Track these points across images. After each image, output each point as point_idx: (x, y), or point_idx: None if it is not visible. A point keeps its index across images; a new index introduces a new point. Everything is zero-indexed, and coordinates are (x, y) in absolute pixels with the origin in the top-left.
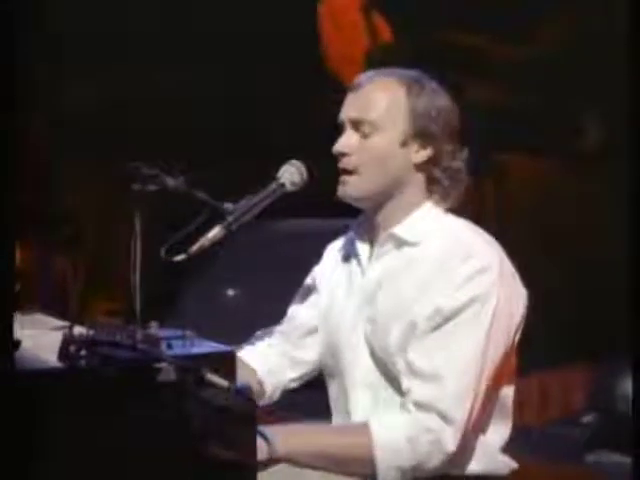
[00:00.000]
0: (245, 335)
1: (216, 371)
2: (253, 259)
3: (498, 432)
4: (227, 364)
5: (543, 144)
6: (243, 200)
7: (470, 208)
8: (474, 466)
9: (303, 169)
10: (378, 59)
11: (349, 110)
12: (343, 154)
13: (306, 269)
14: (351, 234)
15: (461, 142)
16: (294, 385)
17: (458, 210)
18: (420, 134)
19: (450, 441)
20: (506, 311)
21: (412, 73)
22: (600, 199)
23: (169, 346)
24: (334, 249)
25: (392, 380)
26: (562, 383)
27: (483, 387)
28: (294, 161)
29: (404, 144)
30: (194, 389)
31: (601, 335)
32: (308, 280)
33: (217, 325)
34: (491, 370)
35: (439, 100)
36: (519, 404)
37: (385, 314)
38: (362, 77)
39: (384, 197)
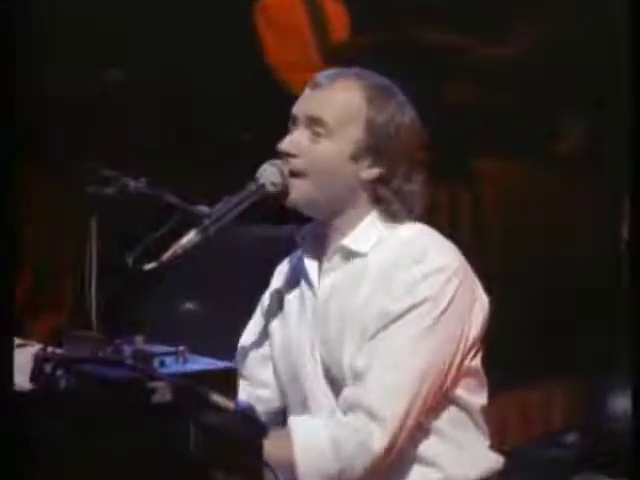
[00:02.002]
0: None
1: (218, 390)
2: (215, 268)
3: (477, 438)
4: (227, 382)
5: (520, 147)
6: (220, 202)
7: (443, 217)
8: (469, 473)
9: (284, 168)
10: (337, 59)
11: (305, 106)
12: (290, 154)
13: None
14: (298, 252)
15: (421, 164)
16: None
17: (428, 217)
18: (373, 150)
19: (378, 441)
20: (461, 312)
21: (379, 81)
22: (580, 203)
23: (161, 363)
24: (282, 271)
25: None
26: (543, 400)
27: (427, 384)
28: (274, 160)
29: (355, 158)
30: (194, 412)
31: (584, 350)
32: (258, 310)
33: (175, 341)
34: (439, 368)
35: (402, 116)
36: (498, 423)
37: (337, 331)
38: (324, 75)
39: (330, 208)
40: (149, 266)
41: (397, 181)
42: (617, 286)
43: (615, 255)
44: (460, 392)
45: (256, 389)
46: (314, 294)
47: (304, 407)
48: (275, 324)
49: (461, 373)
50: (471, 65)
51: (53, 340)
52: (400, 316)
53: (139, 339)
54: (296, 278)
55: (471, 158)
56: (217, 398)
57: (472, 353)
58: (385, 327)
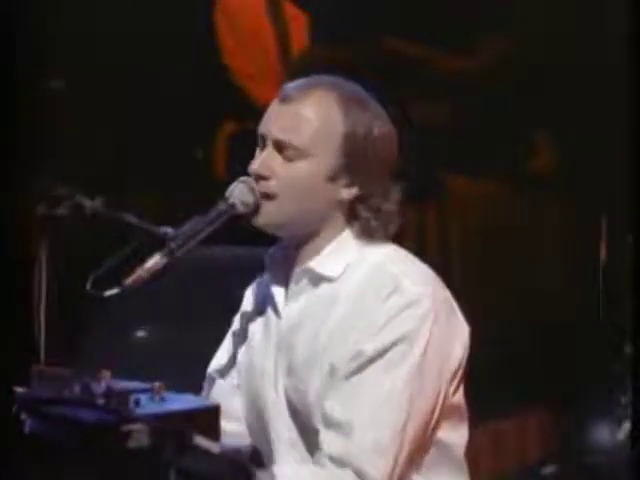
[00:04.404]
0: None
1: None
2: (171, 294)
3: None
4: (212, 422)
5: (491, 165)
6: (187, 223)
7: (410, 236)
8: None
9: (255, 186)
10: (298, 70)
11: (274, 127)
12: (262, 176)
13: (234, 308)
14: (266, 273)
15: (398, 179)
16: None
17: (394, 238)
18: (351, 167)
19: None
20: (440, 349)
21: (354, 90)
22: (553, 223)
23: (136, 402)
24: (251, 294)
25: (317, 441)
26: (517, 431)
27: (411, 435)
28: (245, 177)
29: (332, 177)
30: (175, 456)
31: (558, 379)
32: (227, 336)
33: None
34: (422, 415)
35: (379, 128)
36: (471, 455)
37: (303, 363)
38: (293, 87)
39: (303, 229)
40: (111, 292)
41: (376, 199)
42: (594, 311)
43: (590, 281)
44: (442, 433)
45: (224, 422)
46: (279, 320)
47: (266, 440)
48: (240, 351)
49: (443, 412)
50: (439, 79)
51: None
52: (377, 357)
53: (106, 374)
54: (263, 302)
55: (440, 175)
56: (200, 441)
57: (454, 387)
58: (361, 369)
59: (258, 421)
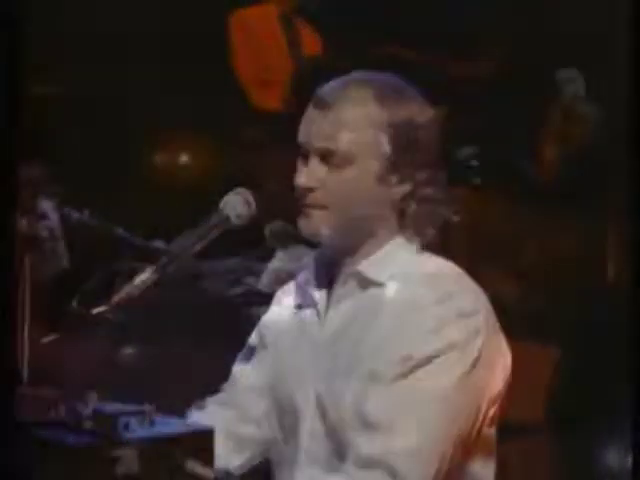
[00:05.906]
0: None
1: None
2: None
3: None
4: (205, 446)
5: (494, 177)
6: (179, 237)
7: None
8: None
9: (251, 198)
10: (306, 77)
11: (314, 137)
12: (310, 189)
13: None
14: (304, 275)
15: (442, 163)
16: (236, 475)
17: None
18: (399, 164)
19: None
20: (486, 368)
21: (390, 81)
22: (555, 234)
23: (125, 426)
24: (284, 295)
25: (344, 451)
26: (521, 459)
27: (451, 449)
28: (240, 189)
29: (381, 179)
30: None
31: (565, 404)
32: (253, 336)
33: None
34: (463, 431)
35: (419, 115)
36: None
37: (345, 368)
38: (328, 91)
39: (352, 234)
40: (98, 309)
41: (424, 190)
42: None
43: (596, 294)
44: (474, 466)
45: (242, 425)
46: (321, 324)
47: (287, 448)
48: (267, 354)
49: (479, 440)
50: (440, 85)
51: None
52: (426, 362)
53: (93, 396)
54: (299, 304)
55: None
56: (193, 466)
57: (490, 416)
58: (409, 373)
59: (281, 428)
